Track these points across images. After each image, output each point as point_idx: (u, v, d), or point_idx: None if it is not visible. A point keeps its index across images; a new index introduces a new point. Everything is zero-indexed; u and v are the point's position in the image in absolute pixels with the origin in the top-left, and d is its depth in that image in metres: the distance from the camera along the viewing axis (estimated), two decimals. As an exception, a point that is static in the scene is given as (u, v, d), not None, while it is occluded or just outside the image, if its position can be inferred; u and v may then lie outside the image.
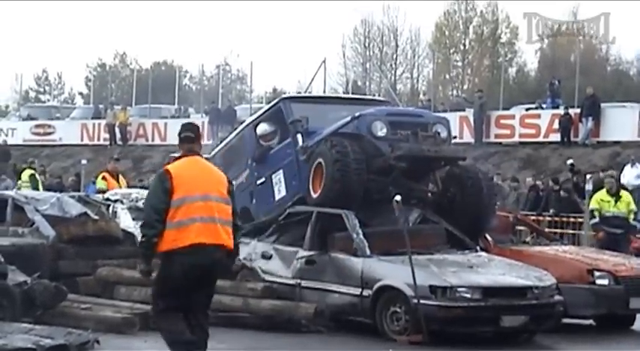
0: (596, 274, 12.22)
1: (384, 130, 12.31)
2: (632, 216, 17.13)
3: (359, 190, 12.14)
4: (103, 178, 18.20)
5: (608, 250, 14.59)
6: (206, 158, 8.72)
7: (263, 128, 13.80)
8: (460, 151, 13.39)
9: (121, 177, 18.66)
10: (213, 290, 8.35)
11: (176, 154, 8.60)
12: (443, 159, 12.65)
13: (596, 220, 16.76)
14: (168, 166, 8.19)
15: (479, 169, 13.34)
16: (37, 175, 24.66)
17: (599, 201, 16.79)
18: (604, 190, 16.92)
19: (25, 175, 24.14)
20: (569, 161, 24.44)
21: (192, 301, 8.01)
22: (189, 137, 8.32)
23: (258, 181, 13.87)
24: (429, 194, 12.93)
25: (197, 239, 7.83)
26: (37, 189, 22.65)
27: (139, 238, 8.22)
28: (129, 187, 22.75)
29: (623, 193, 17.08)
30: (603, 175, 19.59)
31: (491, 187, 13.00)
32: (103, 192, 16.85)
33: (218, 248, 7.95)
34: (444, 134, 12.59)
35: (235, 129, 16.39)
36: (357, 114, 12.51)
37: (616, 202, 16.68)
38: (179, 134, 8.36)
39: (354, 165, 12.05)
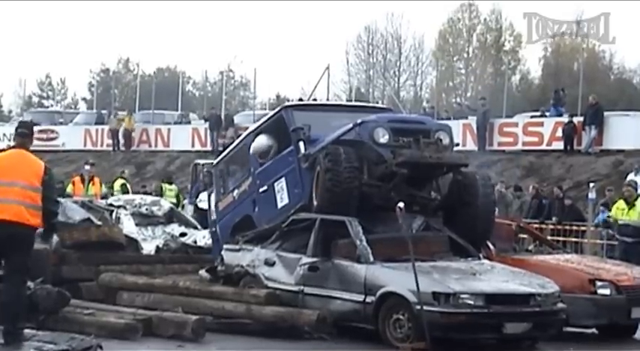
0: (598, 284, 12.15)
1: (386, 137, 12.29)
2: None
3: (351, 199, 12.10)
4: (73, 183, 18.30)
5: (621, 258, 14.46)
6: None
7: (257, 144, 13.70)
8: (462, 157, 13.32)
9: (96, 181, 18.63)
10: (23, 258, 9.65)
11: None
12: (445, 166, 12.61)
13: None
14: None
15: (479, 175, 13.23)
16: (127, 185, 24.80)
17: (616, 209, 16.71)
18: (622, 199, 16.79)
19: (117, 184, 24.48)
20: None
21: (6, 265, 9.62)
22: (24, 133, 9.91)
23: (261, 189, 13.81)
24: (431, 201, 12.91)
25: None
26: None
27: None
28: (130, 192, 22.82)
29: (637, 202, 16.47)
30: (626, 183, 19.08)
31: (489, 195, 12.89)
32: (69, 196, 16.89)
33: (18, 225, 9.43)
34: (446, 141, 12.56)
35: (239, 136, 16.34)
36: (358, 121, 12.49)
37: (629, 210, 16.47)
38: (16, 129, 9.95)
39: (346, 174, 11.99)
